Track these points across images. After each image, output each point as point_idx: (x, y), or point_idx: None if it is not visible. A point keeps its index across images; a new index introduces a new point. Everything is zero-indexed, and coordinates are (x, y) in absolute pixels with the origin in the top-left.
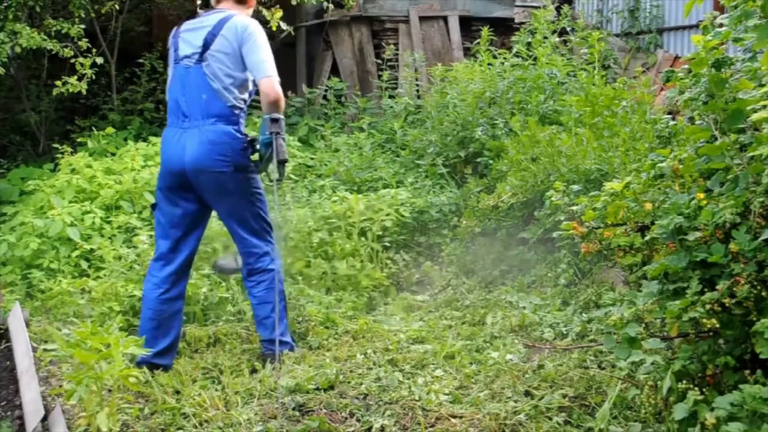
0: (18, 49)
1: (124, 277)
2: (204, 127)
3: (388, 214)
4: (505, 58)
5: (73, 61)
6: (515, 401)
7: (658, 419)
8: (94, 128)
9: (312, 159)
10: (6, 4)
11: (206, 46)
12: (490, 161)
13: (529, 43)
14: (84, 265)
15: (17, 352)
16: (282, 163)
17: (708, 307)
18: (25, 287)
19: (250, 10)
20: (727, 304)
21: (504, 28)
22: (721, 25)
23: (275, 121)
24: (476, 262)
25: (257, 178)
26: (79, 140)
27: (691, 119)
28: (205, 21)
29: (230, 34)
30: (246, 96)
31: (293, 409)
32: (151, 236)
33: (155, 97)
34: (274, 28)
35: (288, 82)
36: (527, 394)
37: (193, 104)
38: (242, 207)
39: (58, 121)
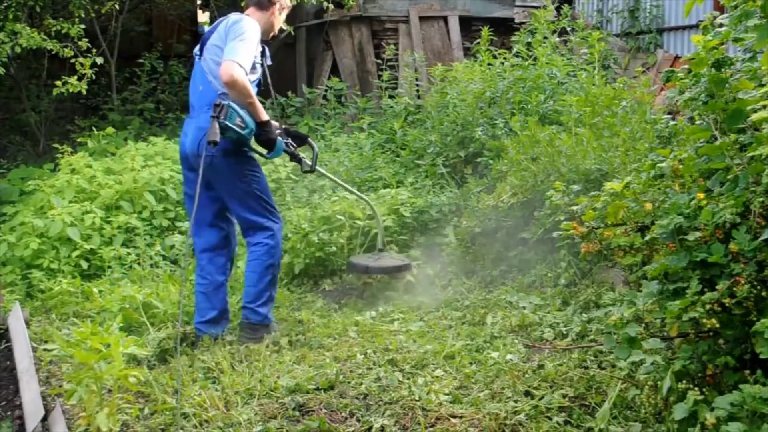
0: (18, 49)
1: (126, 277)
2: (200, 115)
3: (388, 214)
4: (505, 58)
5: (73, 61)
6: (515, 401)
7: (658, 419)
8: (94, 128)
9: None
10: (6, 4)
11: (204, 41)
12: (490, 161)
13: (529, 43)
14: (84, 265)
15: (17, 352)
16: (209, 143)
17: (708, 307)
18: (25, 287)
19: (267, 14)
20: (727, 304)
21: (504, 28)
22: (721, 25)
23: (217, 105)
24: (476, 262)
25: (250, 160)
26: (79, 140)
27: (691, 119)
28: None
29: (223, 28)
30: None
31: (293, 409)
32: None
33: (155, 97)
34: None
35: (288, 82)
36: (527, 394)
37: (195, 95)
38: (238, 188)
39: (58, 121)
